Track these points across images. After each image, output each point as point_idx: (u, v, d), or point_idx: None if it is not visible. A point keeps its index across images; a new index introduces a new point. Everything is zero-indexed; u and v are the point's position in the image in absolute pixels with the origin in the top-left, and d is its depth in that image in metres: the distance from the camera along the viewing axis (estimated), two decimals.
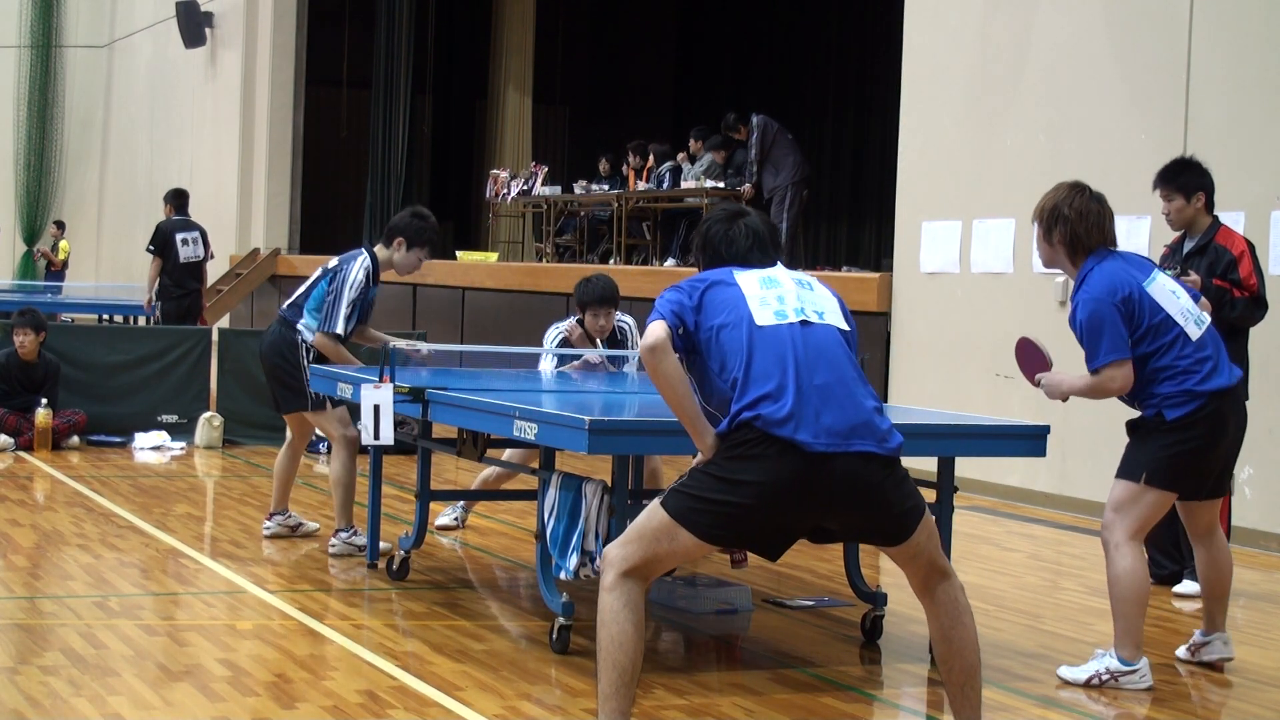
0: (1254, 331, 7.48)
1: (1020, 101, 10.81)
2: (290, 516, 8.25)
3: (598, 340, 8.12)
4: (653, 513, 4.46)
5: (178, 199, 15.23)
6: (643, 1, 24.55)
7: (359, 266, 7.65)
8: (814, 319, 4.53)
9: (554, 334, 8.15)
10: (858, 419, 4.37)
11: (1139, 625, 5.66)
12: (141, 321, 16.31)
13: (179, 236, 14.50)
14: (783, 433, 4.30)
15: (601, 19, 25.02)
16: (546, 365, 8.20)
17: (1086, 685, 5.69)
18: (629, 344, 8.14)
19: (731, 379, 4.41)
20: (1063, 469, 10.10)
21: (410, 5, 22.12)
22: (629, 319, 8.27)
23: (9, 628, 6.06)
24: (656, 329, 4.46)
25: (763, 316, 4.48)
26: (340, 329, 7.59)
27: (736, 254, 4.71)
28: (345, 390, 7.21)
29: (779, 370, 4.38)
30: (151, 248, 14.72)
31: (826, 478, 4.31)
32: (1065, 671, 5.80)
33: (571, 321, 8.14)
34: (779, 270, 4.67)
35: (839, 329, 4.58)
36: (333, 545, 7.77)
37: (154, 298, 14.87)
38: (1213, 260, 7.29)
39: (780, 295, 4.55)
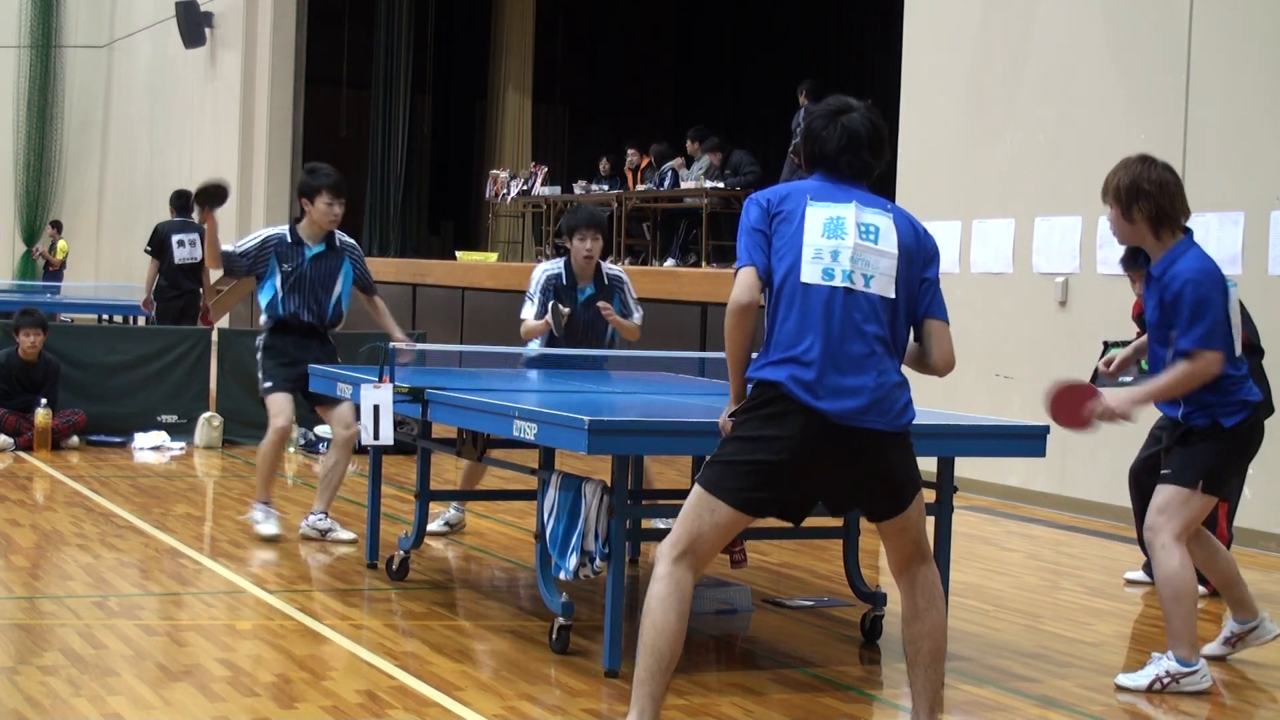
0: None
1: (1020, 101, 10.81)
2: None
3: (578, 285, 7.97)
4: (692, 492, 4.51)
5: (178, 200, 15.23)
6: (643, 1, 24.55)
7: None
8: (859, 285, 4.46)
9: (539, 276, 8.03)
10: (877, 394, 4.40)
11: (1193, 624, 5.64)
12: (141, 321, 16.31)
13: (175, 238, 14.49)
14: (806, 398, 4.35)
15: (601, 19, 25.03)
16: (528, 315, 8.03)
17: (1149, 691, 5.65)
18: (622, 299, 8.07)
19: (773, 326, 4.48)
20: (1062, 469, 10.10)
21: (410, 5, 22.13)
22: (622, 272, 8.22)
23: (9, 628, 6.06)
24: (747, 282, 4.47)
25: (810, 273, 4.44)
26: (228, 246, 8.27)
27: (826, 156, 4.60)
28: (345, 390, 7.21)
29: (811, 334, 4.40)
30: (149, 249, 14.73)
31: (842, 445, 4.38)
32: (1125, 679, 5.74)
33: (559, 265, 8.02)
34: (850, 209, 4.52)
35: (882, 297, 4.49)
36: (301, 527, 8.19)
37: (151, 298, 14.87)
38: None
39: (836, 250, 4.46)
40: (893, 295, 4.52)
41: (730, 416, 4.53)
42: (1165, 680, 5.64)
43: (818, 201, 4.53)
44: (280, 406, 8.11)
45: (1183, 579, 5.58)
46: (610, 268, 8.14)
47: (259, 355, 8.26)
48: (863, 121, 4.64)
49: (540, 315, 7.98)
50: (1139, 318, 7.45)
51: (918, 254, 4.65)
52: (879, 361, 4.44)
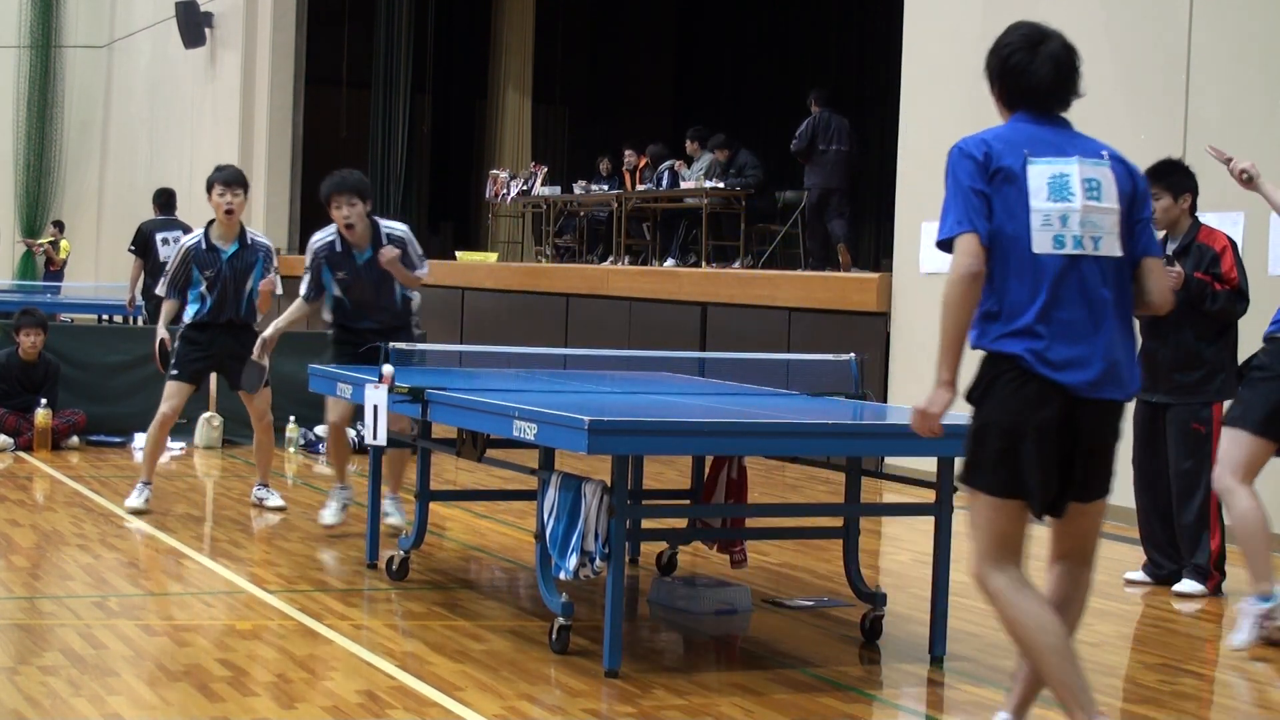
0: (1248, 329, 7.48)
1: None
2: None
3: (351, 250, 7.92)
4: (969, 506, 4.37)
5: (161, 198, 15.21)
6: (643, 1, 24.55)
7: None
8: (1089, 249, 4.27)
9: (310, 250, 8.05)
10: (1111, 363, 4.26)
11: (1269, 558, 5.85)
12: (140, 322, 16.30)
13: (159, 236, 14.43)
14: (1045, 371, 4.19)
15: (601, 19, 25.01)
16: (301, 293, 8.08)
17: (1261, 641, 5.84)
18: (406, 256, 7.95)
19: (988, 296, 4.28)
20: None
21: (410, 5, 22.12)
22: (403, 227, 8.12)
23: (9, 628, 6.06)
24: (971, 249, 4.24)
25: (1040, 242, 4.25)
26: (160, 290, 8.99)
27: (1033, 92, 4.37)
28: (345, 390, 7.21)
29: (1042, 303, 4.22)
30: (132, 248, 14.67)
31: (1080, 419, 4.24)
32: (1234, 639, 5.99)
33: (331, 234, 7.97)
34: (1074, 166, 4.32)
35: (1111, 257, 4.32)
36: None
37: (136, 297, 14.84)
38: (1197, 260, 7.36)
39: (1065, 215, 4.26)
40: (1120, 253, 4.34)
41: (966, 398, 4.33)
42: (1264, 623, 5.84)
43: (1038, 157, 4.30)
44: (172, 394, 8.75)
45: (1252, 518, 5.83)
46: (391, 226, 8.05)
47: (176, 342, 8.84)
48: (1063, 50, 4.39)
49: (311, 296, 8.05)
50: None
51: (1135, 200, 4.42)
52: (1112, 328, 4.28)
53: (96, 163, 29.98)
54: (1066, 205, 4.27)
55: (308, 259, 8.06)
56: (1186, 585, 7.53)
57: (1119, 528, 9.32)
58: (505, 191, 19.29)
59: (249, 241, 8.84)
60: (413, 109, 22.48)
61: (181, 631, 6.14)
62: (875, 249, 18.53)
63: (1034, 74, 4.36)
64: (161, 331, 9.11)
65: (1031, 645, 4.23)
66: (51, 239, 27.12)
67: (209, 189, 8.76)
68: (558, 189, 18.65)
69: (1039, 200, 4.26)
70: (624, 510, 5.60)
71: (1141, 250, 4.42)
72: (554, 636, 5.90)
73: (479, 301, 17.50)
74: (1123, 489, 8.14)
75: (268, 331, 8.18)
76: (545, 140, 23.65)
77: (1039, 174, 4.27)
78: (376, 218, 8.04)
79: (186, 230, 15.45)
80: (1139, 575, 7.84)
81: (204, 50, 24.48)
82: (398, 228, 8.09)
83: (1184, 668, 6.11)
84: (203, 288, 8.71)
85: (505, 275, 17.26)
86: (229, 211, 8.68)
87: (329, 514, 8.44)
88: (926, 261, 11.57)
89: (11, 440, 11.27)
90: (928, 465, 6.29)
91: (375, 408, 6.54)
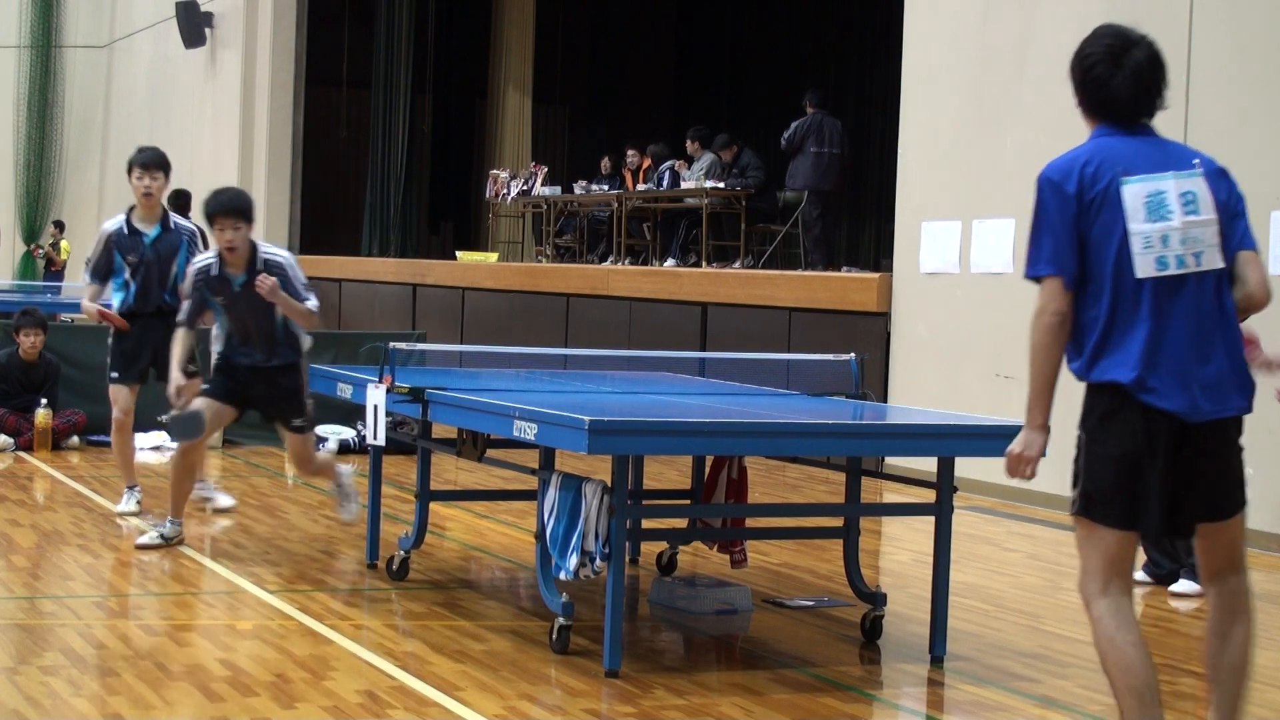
0: (1258, 330, 7.48)
1: (1020, 101, 10.81)
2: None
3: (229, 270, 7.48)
4: (1076, 528, 4.33)
5: (178, 200, 15.20)
6: (642, 1, 24.55)
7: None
8: (1191, 266, 4.17)
9: (190, 275, 7.66)
10: (1219, 381, 4.19)
11: None
12: None
13: None
14: (1152, 400, 4.13)
15: (601, 19, 25.02)
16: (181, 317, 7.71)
17: None
18: (288, 286, 7.42)
19: (1094, 323, 4.19)
20: (1062, 469, 10.07)
21: (410, 5, 22.12)
22: (285, 254, 7.63)
23: (9, 628, 6.06)
24: (1056, 294, 4.15)
25: (1143, 266, 4.14)
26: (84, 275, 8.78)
27: (1115, 107, 4.24)
28: (345, 390, 7.21)
29: (1148, 328, 4.14)
30: None
31: (1196, 443, 4.18)
32: None
33: (212, 257, 7.54)
34: (1169, 182, 4.19)
35: (1213, 270, 4.22)
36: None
37: None
38: None
39: (1165, 235, 4.14)
40: (1221, 264, 4.24)
41: (1079, 427, 4.29)
42: None
43: (1132, 176, 4.18)
44: (118, 398, 8.66)
45: None
46: (271, 252, 7.56)
47: (109, 341, 8.70)
48: (1148, 60, 4.22)
49: (189, 320, 7.66)
50: None
51: (1229, 203, 4.30)
52: (1219, 343, 4.21)
53: (96, 163, 29.98)
54: (1166, 225, 4.17)
55: (188, 283, 7.67)
56: (1184, 585, 7.54)
57: None
58: (505, 191, 19.29)
59: (172, 225, 8.65)
60: (413, 109, 22.48)
61: (181, 631, 6.14)
62: (875, 249, 18.53)
63: (1115, 88, 4.24)
64: (88, 308, 8.82)
65: (1114, 681, 4.22)
66: (52, 239, 27.13)
67: (129, 171, 8.60)
68: (558, 189, 18.65)
69: (1137, 222, 4.16)
70: (624, 510, 5.60)
71: (1236, 245, 4.31)
72: (554, 636, 5.90)
73: (479, 301, 17.50)
74: None
75: (174, 381, 7.68)
76: (545, 140, 23.65)
77: (1134, 195, 4.18)
78: (258, 242, 7.58)
79: (202, 232, 15.47)
80: (1139, 575, 7.84)
81: (204, 50, 24.48)
82: (279, 254, 7.60)
83: (1184, 668, 6.11)
84: (126, 274, 8.57)
85: (505, 275, 17.26)
86: (147, 194, 8.51)
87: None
88: (927, 261, 11.57)
89: (12, 440, 11.27)
90: (928, 465, 6.30)
91: (375, 408, 6.54)
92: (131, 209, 8.70)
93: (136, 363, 8.66)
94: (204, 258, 7.65)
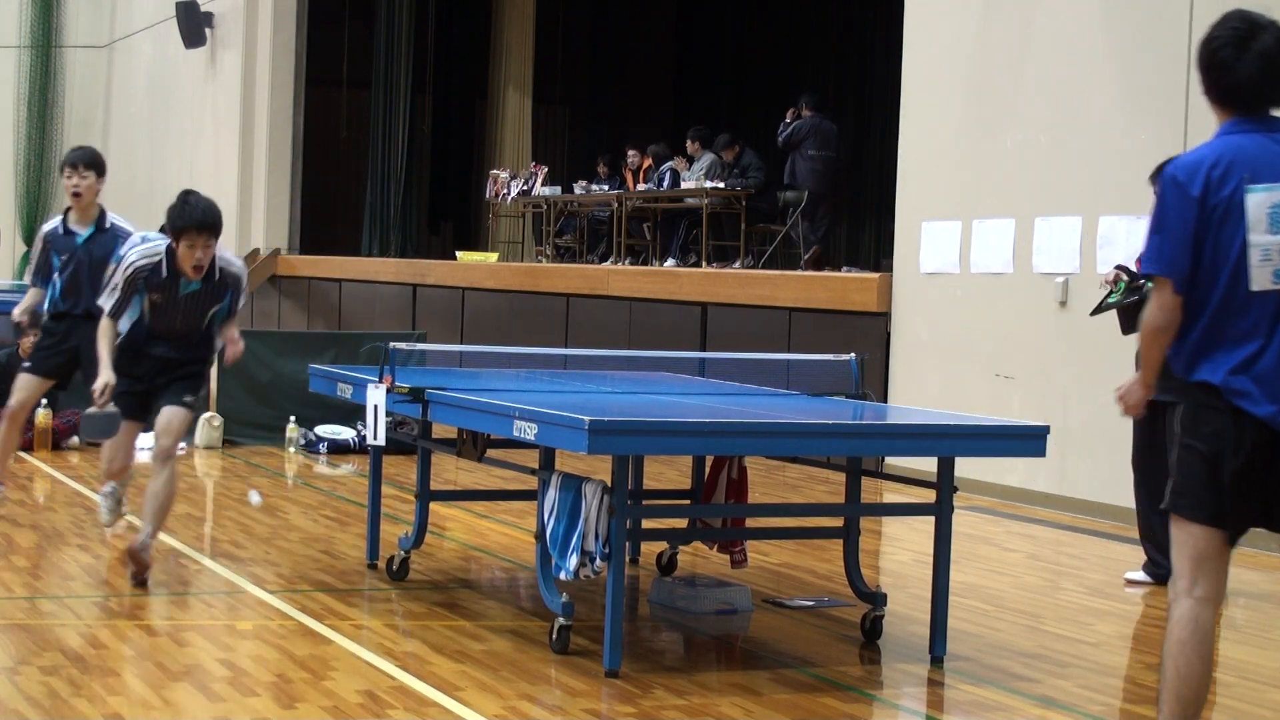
0: None
1: (1020, 101, 10.81)
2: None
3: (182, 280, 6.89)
4: (1171, 526, 4.31)
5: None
6: (642, 1, 24.55)
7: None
8: None
9: (131, 263, 6.89)
10: None
11: None
12: None
13: None
14: (1241, 403, 4.11)
15: (601, 19, 25.02)
16: (106, 305, 6.98)
17: None
18: (233, 299, 7.05)
19: (1199, 325, 4.16)
20: (1062, 469, 10.09)
21: (410, 5, 22.12)
22: (239, 262, 7.14)
23: (9, 628, 6.06)
24: (1167, 302, 4.14)
25: (1260, 279, 4.10)
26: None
27: (1240, 93, 4.15)
28: (345, 390, 7.21)
29: (1258, 337, 4.12)
30: None
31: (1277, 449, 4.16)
32: None
33: (159, 252, 6.88)
34: None
35: None
36: None
37: None
38: None
39: None
40: None
41: (1176, 426, 4.28)
42: None
43: (1258, 184, 4.10)
44: (21, 386, 8.40)
45: None
46: (227, 260, 7.04)
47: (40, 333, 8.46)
48: (1275, 45, 4.12)
49: (116, 312, 6.93)
50: None
51: None
52: None
53: None
54: None
55: (121, 273, 6.92)
56: None
57: (1119, 528, 9.32)
58: (505, 191, 19.29)
59: (107, 225, 8.33)
60: (413, 109, 22.48)
61: (181, 631, 6.14)
62: (875, 249, 18.52)
63: (1239, 73, 4.14)
64: (16, 314, 8.59)
65: (1168, 680, 4.21)
66: None
67: (61, 171, 8.33)
68: (558, 189, 18.65)
69: (1258, 234, 4.11)
70: (624, 510, 5.60)
71: None
72: (554, 636, 5.90)
73: (479, 301, 17.50)
74: (1123, 489, 8.15)
75: (104, 377, 6.94)
76: (545, 140, 23.65)
77: (1258, 204, 4.11)
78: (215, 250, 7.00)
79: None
80: (1139, 575, 7.84)
81: (204, 50, 24.48)
82: (235, 262, 7.13)
83: None
84: (56, 274, 8.28)
85: (505, 275, 17.26)
86: (76, 194, 8.25)
87: None
88: (927, 261, 11.57)
89: None
90: (928, 465, 6.30)
91: (375, 408, 6.54)
92: (68, 209, 8.43)
93: (52, 359, 8.37)
94: (149, 252, 6.90)
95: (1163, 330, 4.23)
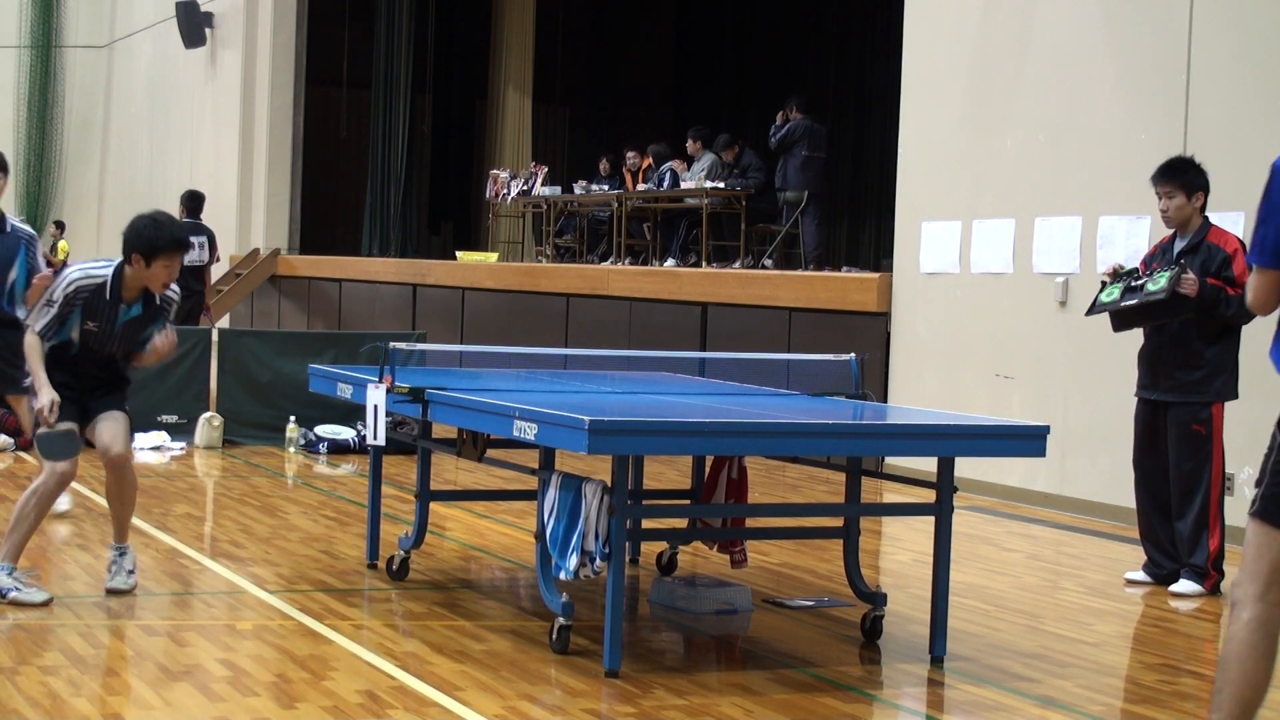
0: (1253, 331, 7.49)
1: (1020, 101, 10.81)
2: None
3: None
4: (1248, 528, 4.25)
5: (190, 202, 15.27)
6: (642, 1, 24.56)
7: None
8: None
9: (71, 281, 6.40)
10: None
11: None
12: None
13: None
14: None
15: (601, 19, 25.03)
16: (37, 325, 6.47)
17: None
18: (166, 320, 6.67)
19: None
20: (1062, 469, 10.09)
21: (410, 5, 22.13)
22: (175, 286, 6.66)
23: (9, 628, 6.06)
24: (1266, 290, 4.11)
25: None
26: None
27: None
28: (345, 390, 7.21)
29: None
30: None
31: None
32: None
33: (105, 273, 6.41)
34: None
35: None
36: None
37: None
38: (1205, 259, 7.39)
39: None
40: None
41: (1275, 430, 4.20)
42: None
43: None
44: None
45: None
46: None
47: None
48: None
49: (48, 332, 6.46)
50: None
51: None
52: None
53: (96, 163, 29.99)
54: None
55: (61, 290, 6.42)
56: (1184, 585, 7.53)
57: (1119, 528, 9.33)
58: (505, 191, 19.29)
59: (8, 228, 8.10)
60: (413, 109, 22.49)
61: (181, 631, 6.14)
62: (875, 249, 18.53)
63: None
64: None
65: (1229, 680, 4.15)
66: (52, 239, 27.13)
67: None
68: (558, 189, 18.65)
69: None
70: (624, 510, 5.60)
71: None
72: (554, 636, 5.90)
73: (479, 301, 17.50)
74: (1123, 489, 8.15)
75: (42, 397, 6.46)
76: (545, 140, 23.65)
77: None
78: None
79: (211, 234, 15.51)
80: (1139, 575, 7.84)
81: (204, 50, 24.49)
82: (171, 285, 6.64)
83: (1184, 668, 6.12)
84: None
85: (505, 275, 17.26)
86: None
87: None
88: (927, 261, 11.57)
89: (11, 440, 11.27)
90: (928, 465, 6.30)
91: (375, 408, 6.54)
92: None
93: None
94: (94, 272, 6.44)
95: (1261, 309, 4.18)
